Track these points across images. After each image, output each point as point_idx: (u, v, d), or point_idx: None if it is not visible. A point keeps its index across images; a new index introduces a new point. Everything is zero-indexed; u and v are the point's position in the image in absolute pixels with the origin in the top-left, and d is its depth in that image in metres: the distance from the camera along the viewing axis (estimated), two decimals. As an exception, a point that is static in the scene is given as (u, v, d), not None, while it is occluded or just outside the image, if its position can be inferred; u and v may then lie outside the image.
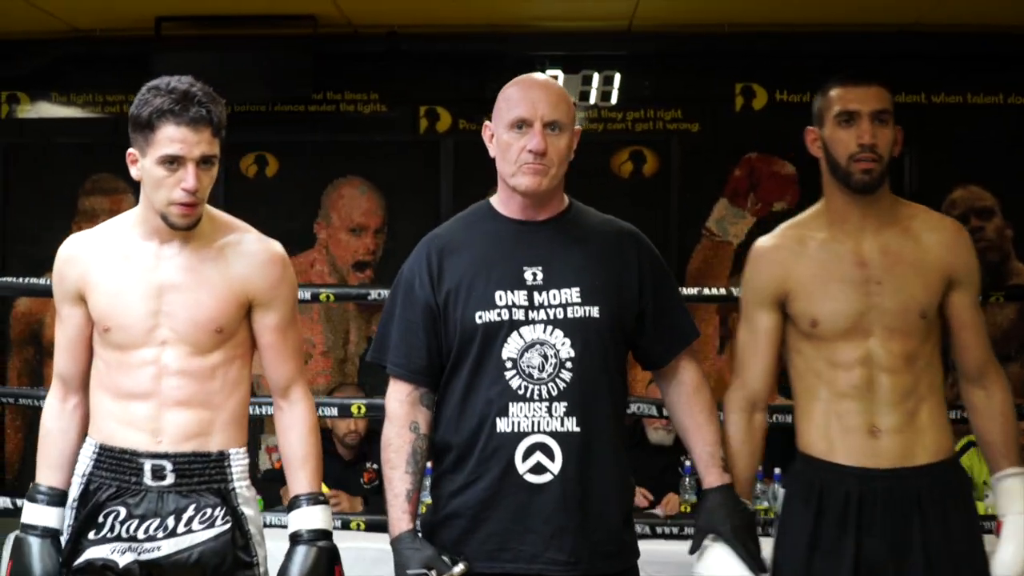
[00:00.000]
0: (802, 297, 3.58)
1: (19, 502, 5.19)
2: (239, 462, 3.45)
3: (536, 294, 3.40)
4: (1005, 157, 7.41)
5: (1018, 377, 7.25)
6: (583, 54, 7.66)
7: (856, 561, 3.49)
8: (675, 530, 5.36)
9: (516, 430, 3.36)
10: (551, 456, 3.35)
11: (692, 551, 3.54)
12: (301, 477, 3.50)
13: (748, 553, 3.46)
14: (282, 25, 7.20)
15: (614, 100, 7.67)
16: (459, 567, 3.34)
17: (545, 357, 3.37)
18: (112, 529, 3.36)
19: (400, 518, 3.43)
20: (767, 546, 4.15)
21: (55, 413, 3.54)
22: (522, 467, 3.35)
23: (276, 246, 3.54)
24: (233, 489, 3.43)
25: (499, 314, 3.38)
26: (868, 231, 3.58)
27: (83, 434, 3.53)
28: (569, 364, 3.37)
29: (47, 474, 3.51)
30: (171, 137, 3.23)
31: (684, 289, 5.99)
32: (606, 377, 3.42)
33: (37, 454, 3.54)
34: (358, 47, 7.59)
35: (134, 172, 3.34)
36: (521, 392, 3.36)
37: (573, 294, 3.40)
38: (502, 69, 6.81)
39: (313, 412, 3.57)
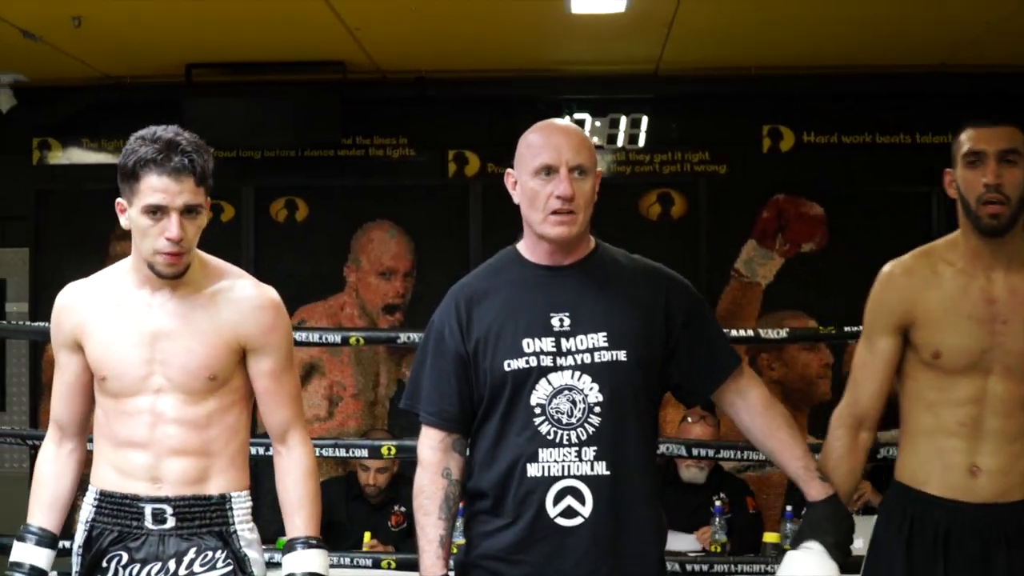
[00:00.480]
0: (928, 327, 3.55)
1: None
2: (241, 505, 3.43)
3: (563, 340, 3.39)
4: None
5: None
6: (610, 98, 7.70)
7: None
8: (705, 568, 5.37)
9: (546, 474, 3.35)
10: (582, 500, 3.34)
11: (791, 548, 3.54)
12: (297, 521, 3.46)
13: (842, 563, 3.46)
14: (311, 71, 7.25)
15: (642, 143, 7.70)
16: None
17: (574, 403, 3.36)
18: (116, 574, 3.35)
19: (434, 563, 3.43)
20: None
21: (50, 457, 3.55)
22: (553, 511, 3.34)
23: (269, 291, 3.50)
24: (235, 532, 3.41)
25: (527, 361, 3.38)
26: (999, 269, 3.53)
27: (77, 479, 3.56)
28: (597, 409, 3.36)
29: (38, 515, 3.51)
30: (153, 187, 3.21)
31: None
32: (635, 420, 3.41)
33: (30, 495, 3.54)
34: (386, 92, 7.66)
35: (123, 221, 3.33)
36: (551, 438, 3.36)
37: (600, 339, 3.39)
38: (530, 113, 6.82)
39: (311, 456, 3.53)
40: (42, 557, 3.46)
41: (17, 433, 6.72)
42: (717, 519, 5.97)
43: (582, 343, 3.39)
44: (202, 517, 3.37)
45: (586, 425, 3.36)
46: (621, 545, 3.36)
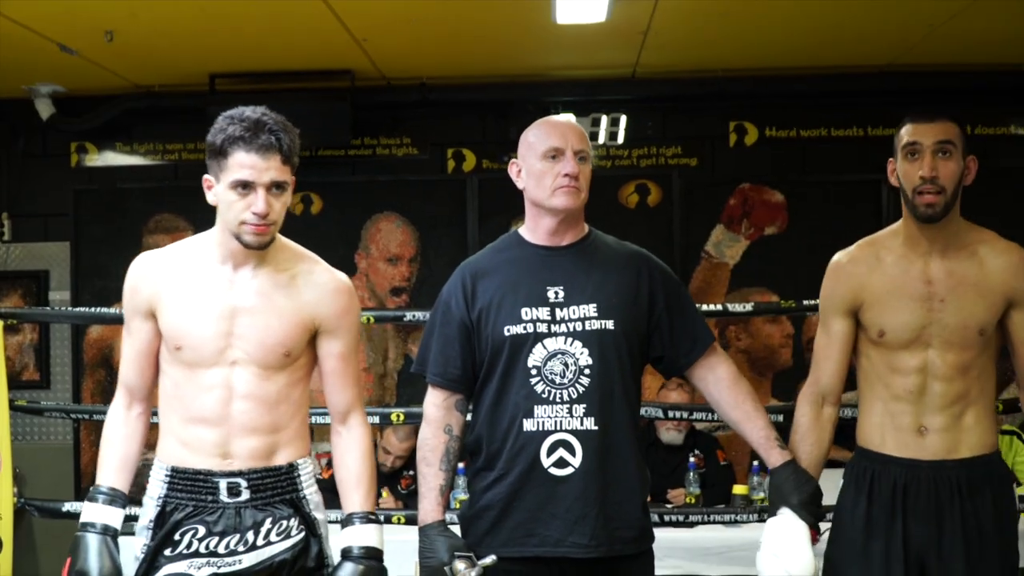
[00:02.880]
0: (874, 308, 3.61)
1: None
2: (306, 470, 3.37)
3: (558, 310, 3.47)
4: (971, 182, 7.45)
5: None
6: (592, 99, 7.73)
7: (905, 541, 3.54)
8: (681, 518, 5.47)
9: (541, 429, 3.43)
10: (572, 452, 3.42)
11: (768, 518, 3.58)
12: (356, 497, 3.39)
13: (812, 523, 3.51)
14: (323, 79, 7.25)
15: (620, 139, 7.75)
16: (490, 558, 3.40)
17: (566, 365, 3.44)
18: (189, 546, 3.25)
19: (432, 509, 3.51)
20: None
21: (120, 419, 3.44)
22: (546, 462, 3.43)
23: (344, 278, 3.44)
24: (304, 497, 3.35)
25: (525, 327, 3.46)
26: (936, 253, 3.57)
27: (143, 441, 3.46)
28: (587, 371, 3.44)
29: (108, 475, 3.38)
30: (241, 163, 3.14)
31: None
32: (620, 382, 3.48)
33: (99, 458, 3.44)
34: (392, 97, 7.65)
35: (210, 197, 3.26)
36: (545, 396, 3.44)
37: (590, 310, 3.47)
38: (521, 114, 6.95)
39: (369, 437, 3.46)
40: (113, 516, 3.32)
41: (62, 408, 6.73)
42: (691, 473, 6.03)
43: (575, 312, 3.47)
44: (274, 487, 3.31)
45: (577, 385, 3.44)
46: (608, 493, 3.43)
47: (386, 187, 7.82)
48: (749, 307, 5.77)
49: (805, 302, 5.32)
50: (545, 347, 3.46)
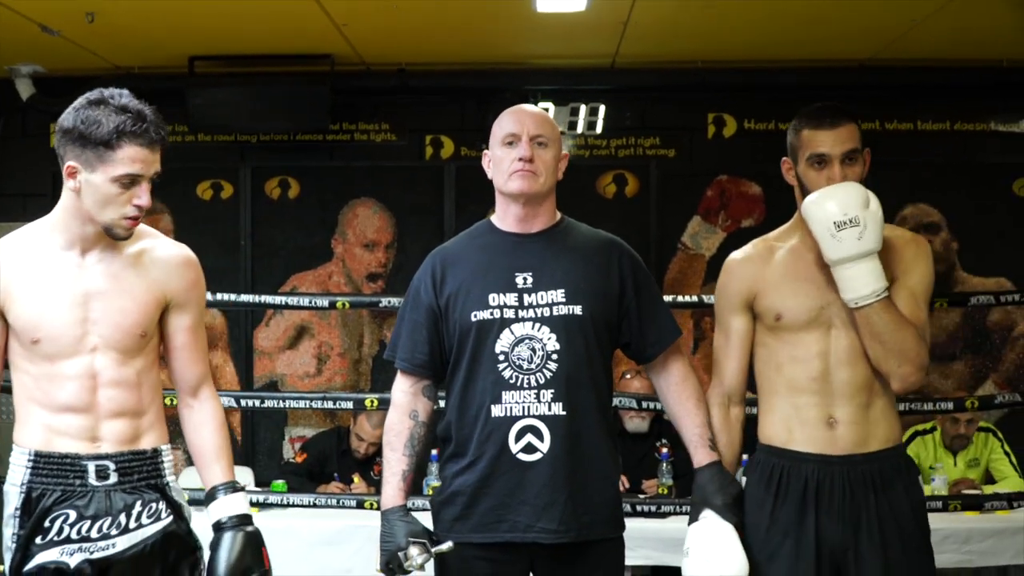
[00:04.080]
0: (769, 295, 3.55)
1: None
2: (168, 458, 3.29)
3: (525, 295, 3.44)
4: (951, 178, 7.48)
5: (961, 374, 7.30)
6: (571, 88, 7.70)
7: (817, 538, 3.47)
8: (653, 508, 5.50)
9: (508, 415, 3.40)
10: (540, 437, 3.39)
11: (690, 523, 3.55)
12: (217, 470, 3.34)
13: (736, 524, 3.49)
14: (302, 63, 7.23)
15: (599, 129, 7.71)
16: (446, 544, 3.38)
17: (533, 350, 3.41)
18: (60, 532, 3.14)
19: (394, 494, 3.49)
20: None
21: None
22: (515, 447, 3.39)
23: (188, 250, 3.35)
24: (167, 483, 3.27)
25: (492, 313, 3.43)
26: None
27: None
28: (555, 356, 3.40)
29: None
30: (132, 157, 3.04)
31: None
32: (588, 367, 3.44)
33: None
34: (371, 83, 7.61)
35: (71, 184, 3.09)
36: (512, 381, 3.41)
37: (558, 295, 3.44)
38: (500, 102, 6.78)
39: (221, 408, 3.43)
40: None
41: None
42: (664, 464, 5.98)
43: (542, 298, 3.44)
44: (140, 471, 3.22)
45: (544, 371, 3.40)
46: (577, 478, 3.40)
47: (364, 173, 7.81)
48: None
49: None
50: (512, 332, 3.42)
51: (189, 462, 7.45)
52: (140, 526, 3.20)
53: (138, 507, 3.20)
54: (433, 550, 3.37)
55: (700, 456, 3.58)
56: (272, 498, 5.64)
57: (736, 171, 7.63)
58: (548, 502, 3.38)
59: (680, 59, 7.25)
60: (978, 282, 7.45)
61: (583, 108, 7.71)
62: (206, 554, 3.30)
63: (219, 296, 5.50)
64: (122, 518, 3.19)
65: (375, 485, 6.25)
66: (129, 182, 3.06)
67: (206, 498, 3.34)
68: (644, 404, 5.72)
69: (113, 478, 3.18)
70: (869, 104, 7.26)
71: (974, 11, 6.10)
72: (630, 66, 7.43)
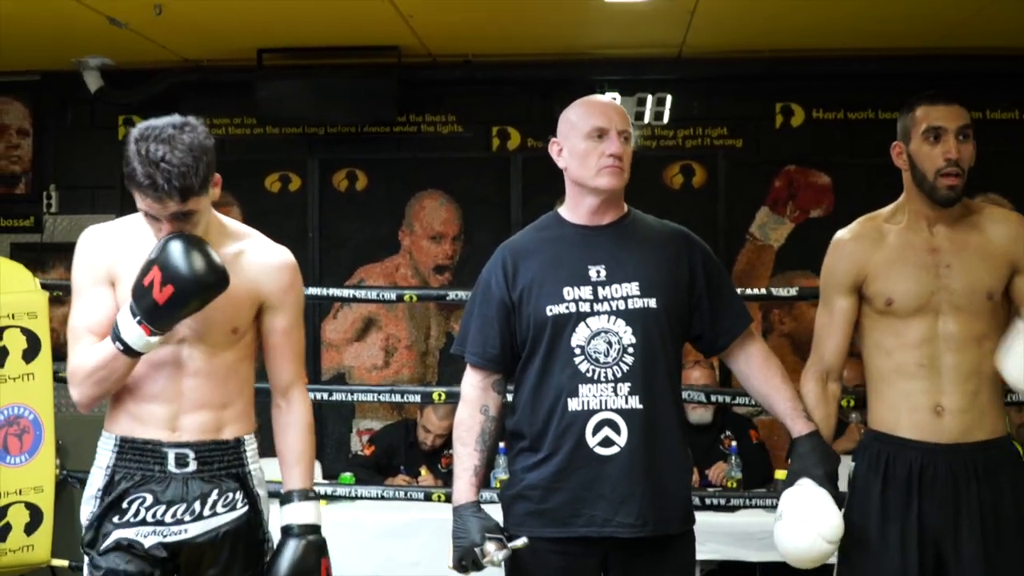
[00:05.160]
0: (879, 279, 3.57)
1: None
2: (251, 447, 3.38)
3: (600, 289, 3.43)
4: (1020, 167, 7.36)
5: None
6: (638, 78, 7.64)
7: (920, 525, 3.49)
8: (722, 502, 5.48)
9: (586, 408, 3.39)
10: (617, 431, 3.38)
11: (784, 489, 3.57)
12: (296, 473, 3.43)
13: (834, 495, 3.49)
14: (369, 55, 7.22)
15: (666, 119, 7.65)
16: (521, 540, 3.37)
17: (609, 344, 3.40)
18: (137, 514, 3.25)
19: (466, 489, 3.50)
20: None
21: None
22: (592, 441, 3.38)
23: (287, 253, 3.45)
24: (249, 472, 3.36)
25: (567, 307, 3.42)
26: (941, 226, 3.57)
27: None
28: (631, 349, 3.39)
29: None
30: (144, 202, 3.09)
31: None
32: (664, 360, 3.44)
33: None
34: (437, 74, 7.60)
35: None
36: (589, 375, 3.39)
37: (633, 288, 3.43)
38: (566, 92, 6.74)
39: (310, 412, 3.50)
40: None
41: None
42: (732, 458, 6.05)
43: (617, 291, 3.43)
44: (220, 460, 3.31)
45: (621, 364, 3.39)
46: (654, 471, 3.40)
47: (431, 164, 7.79)
48: (794, 291, 5.71)
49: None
50: (588, 326, 3.42)
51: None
52: (214, 514, 3.29)
53: (214, 496, 3.29)
54: (509, 545, 3.36)
55: (799, 427, 3.57)
56: (340, 490, 5.66)
57: (805, 161, 7.56)
58: (626, 495, 3.37)
59: (747, 48, 7.22)
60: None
61: (650, 98, 7.64)
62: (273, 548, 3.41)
63: (287, 288, 5.50)
64: (196, 505, 3.27)
65: (442, 478, 6.30)
66: (153, 219, 3.13)
67: (281, 499, 3.42)
68: (715, 398, 5.72)
69: (192, 466, 3.27)
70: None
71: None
72: (697, 56, 7.37)
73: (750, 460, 6.25)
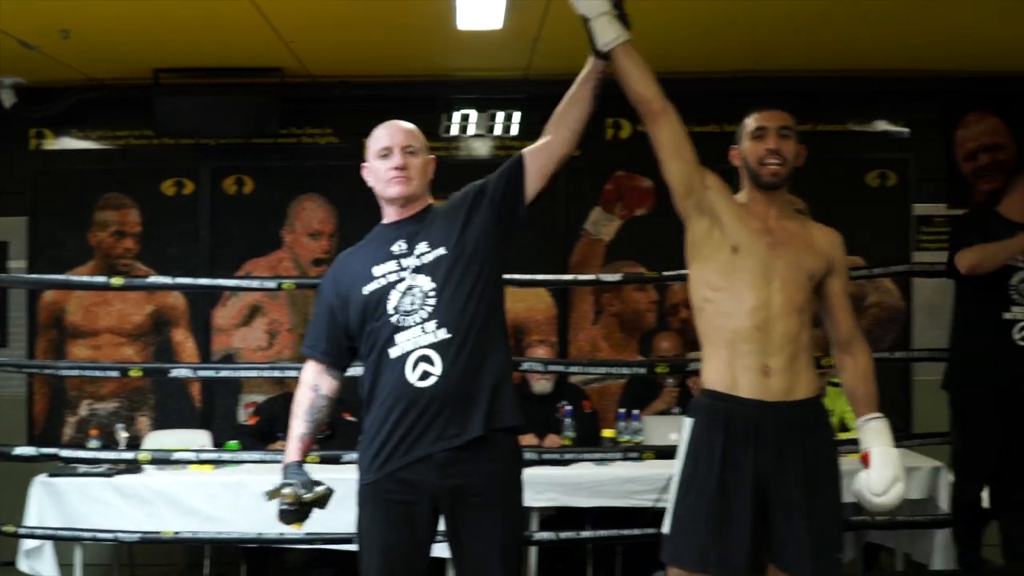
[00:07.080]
0: (727, 225, 3.70)
1: (43, 450, 5.45)
2: None
3: (403, 259, 3.56)
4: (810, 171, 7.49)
5: (819, 338, 7.42)
6: (490, 97, 7.79)
7: (755, 471, 3.59)
8: (558, 457, 5.69)
9: (403, 352, 3.48)
10: (432, 363, 3.46)
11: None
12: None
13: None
14: (255, 75, 7.27)
15: (515, 132, 7.77)
16: (322, 487, 3.52)
17: (414, 295, 3.50)
18: None
19: (293, 452, 3.64)
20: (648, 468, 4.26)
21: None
22: (412, 377, 3.46)
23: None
24: None
25: (378, 283, 3.55)
26: (772, 216, 3.75)
27: None
28: (431, 293, 3.49)
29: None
30: None
31: (567, 275, 6.23)
32: (466, 293, 3.50)
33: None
34: (316, 92, 7.63)
35: None
36: (402, 325, 3.49)
37: (424, 247, 3.56)
38: (430, 110, 7.06)
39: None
40: None
41: (16, 363, 6.85)
42: (567, 420, 6.26)
43: (415, 253, 3.55)
44: None
45: (425, 307, 3.48)
46: (473, 389, 3.46)
47: (310, 171, 7.83)
48: (619, 277, 5.90)
49: (666, 272, 5.49)
50: (398, 290, 3.53)
51: (154, 427, 7.58)
52: None
53: None
54: (316, 490, 3.51)
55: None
56: (227, 456, 5.76)
57: (631, 168, 7.72)
58: (450, 415, 3.45)
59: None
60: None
61: (500, 114, 7.78)
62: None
63: (180, 280, 5.67)
64: None
65: (318, 443, 6.41)
66: None
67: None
68: (552, 367, 5.89)
69: None
70: (738, 109, 7.04)
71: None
72: (541, 77, 7.38)
73: (582, 426, 6.38)
